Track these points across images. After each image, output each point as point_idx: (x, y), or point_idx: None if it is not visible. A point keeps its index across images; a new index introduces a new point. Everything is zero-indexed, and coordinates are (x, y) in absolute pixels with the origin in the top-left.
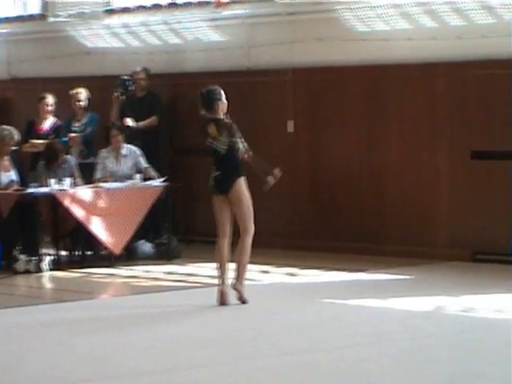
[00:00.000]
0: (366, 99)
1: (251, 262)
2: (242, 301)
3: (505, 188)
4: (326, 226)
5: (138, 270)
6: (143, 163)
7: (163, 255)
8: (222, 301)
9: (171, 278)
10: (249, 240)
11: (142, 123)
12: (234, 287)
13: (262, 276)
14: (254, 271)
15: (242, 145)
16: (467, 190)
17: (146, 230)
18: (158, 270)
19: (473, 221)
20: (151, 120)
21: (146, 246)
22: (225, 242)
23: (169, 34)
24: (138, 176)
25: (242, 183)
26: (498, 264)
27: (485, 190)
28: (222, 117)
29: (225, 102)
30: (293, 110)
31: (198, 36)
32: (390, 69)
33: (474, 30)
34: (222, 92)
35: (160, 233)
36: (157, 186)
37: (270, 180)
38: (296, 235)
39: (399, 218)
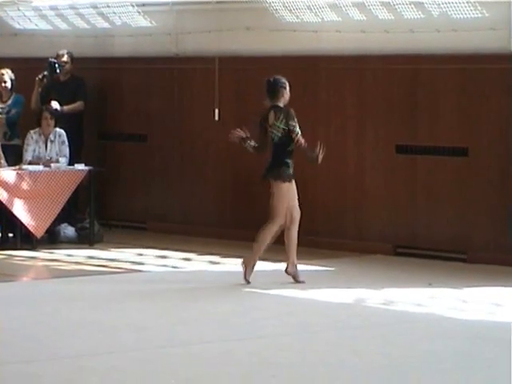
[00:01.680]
0: (294, 90)
1: (173, 249)
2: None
3: (427, 183)
4: (250, 215)
5: (60, 253)
6: (65, 150)
7: (85, 239)
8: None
9: (93, 263)
10: (270, 228)
11: (67, 107)
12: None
13: (184, 263)
14: (176, 258)
15: (298, 129)
16: (391, 184)
17: (68, 213)
18: (80, 254)
19: (396, 215)
20: (77, 105)
21: (68, 230)
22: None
23: (97, 17)
24: (62, 160)
25: (278, 183)
26: (419, 258)
27: (408, 185)
28: (281, 105)
29: (288, 91)
30: (219, 99)
31: (126, 21)
32: (319, 60)
33: (403, 24)
34: (287, 82)
35: (82, 217)
36: (81, 171)
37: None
38: (220, 224)
39: (323, 210)
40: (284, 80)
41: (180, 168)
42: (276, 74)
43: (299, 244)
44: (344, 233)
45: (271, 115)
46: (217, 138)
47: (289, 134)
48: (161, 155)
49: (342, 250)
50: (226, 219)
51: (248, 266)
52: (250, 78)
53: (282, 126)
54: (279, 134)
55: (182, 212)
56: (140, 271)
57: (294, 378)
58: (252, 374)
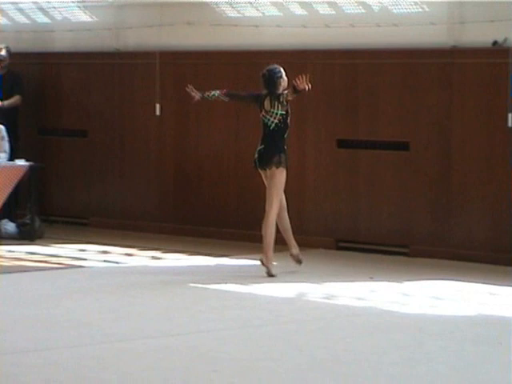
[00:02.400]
0: (236, 85)
1: (115, 245)
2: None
3: (369, 177)
4: (191, 210)
5: (1, 249)
6: (5, 145)
7: (26, 235)
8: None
9: (34, 259)
10: (273, 217)
11: (7, 102)
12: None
13: (126, 258)
14: (118, 254)
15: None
16: (333, 179)
17: (9, 209)
18: (21, 250)
19: (337, 209)
20: (15, 99)
21: (9, 226)
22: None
23: (37, 12)
24: (2, 155)
25: (280, 170)
26: (360, 252)
27: (350, 179)
28: (280, 92)
29: (285, 79)
30: (160, 94)
31: (66, 16)
32: (260, 55)
33: (344, 19)
34: (282, 69)
35: (23, 213)
36: (21, 166)
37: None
38: (162, 219)
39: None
40: (278, 69)
41: (121, 163)
42: (271, 65)
43: (239, 238)
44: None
45: (267, 101)
46: (158, 133)
47: (286, 119)
48: (101, 151)
49: (284, 244)
50: (167, 214)
51: (268, 264)
52: (191, 72)
53: (280, 112)
54: (276, 121)
55: (124, 207)
56: (82, 267)
57: (236, 373)
58: (193, 369)
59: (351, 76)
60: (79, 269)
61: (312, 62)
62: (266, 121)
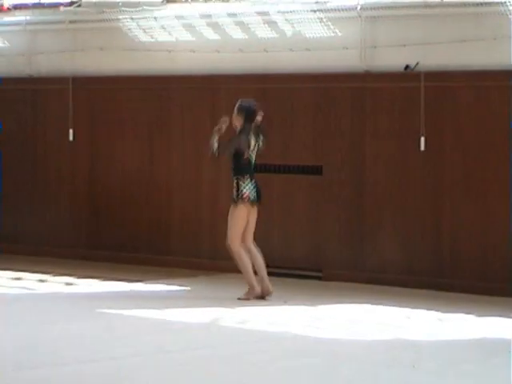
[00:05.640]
0: (148, 109)
1: (28, 271)
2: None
3: (282, 201)
4: (105, 235)
5: None
6: None
7: None
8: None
9: None
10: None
11: None
12: None
13: (39, 285)
14: (31, 280)
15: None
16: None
17: None
18: None
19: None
20: None
21: None
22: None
23: None
24: None
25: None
26: (274, 276)
27: (264, 203)
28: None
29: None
30: (73, 119)
31: None
32: (174, 80)
33: (257, 43)
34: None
35: None
36: None
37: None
38: (75, 244)
39: (180, 230)
40: (255, 102)
41: (33, 188)
42: (243, 97)
43: (153, 264)
44: (200, 252)
45: (252, 140)
46: (71, 158)
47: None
48: (13, 177)
49: (198, 269)
50: (80, 239)
51: (251, 293)
52: (105, 97)
53: (260, 145)
54: (254, 155)
55: (36, 233)
56: None
57: None
58: None
59: (264, 100)
60: None
61: (225, 86)
62: (251, 158)
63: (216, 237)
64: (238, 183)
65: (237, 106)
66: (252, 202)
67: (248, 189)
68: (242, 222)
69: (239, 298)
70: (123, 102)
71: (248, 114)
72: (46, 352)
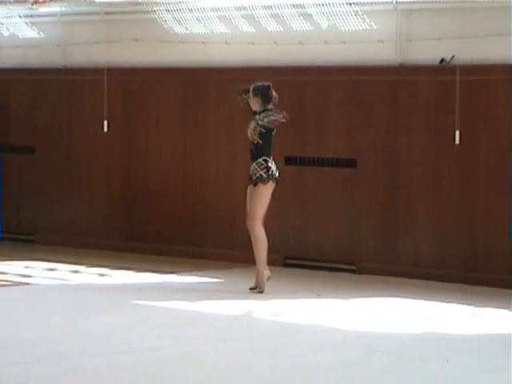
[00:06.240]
0: (182, 101)
1: (62, 262)
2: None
3: (316, 194)
4: (139, 227)
5: None
6: None
7: None
8: None
9: None
10: None
11: None
12: None
13: (72, 276)
14: (64, 271)
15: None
16: (280, 196)
17: None
18: None
19: (284, 226)
20: None
21: None
22: None
23: None
24: None
25: None
26: (307, 269)
27: (297, 196)
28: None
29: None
30: (107, 110)
31: (13, 32)
32: (208, 71)
33: (292, 36)
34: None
35: None
36: None
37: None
38: (109, 236)
39: (213, 221)
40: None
41: (68, 180)
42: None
43: (188, 255)
44: (234, 244)
45: None
46: (105, 150)
47: None
48: (49, 167)
49: (231, 261)
50: (115, 231)
51: (261, 280)
52: (139, 89)
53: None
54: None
55: (71, 224)
56: (28, 284)
57: None
58: None
59: (299, 93)
60: (25, 286)
61: (260, 79)
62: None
63: (247, 229)
64: (266, 162)
65: (251, 89)
66: (277, 181)
67: (274, 168)
68: (269, 201)
69: (251, 289)
70: (157, 94)
71: (264, 94)
72: (78, 343)
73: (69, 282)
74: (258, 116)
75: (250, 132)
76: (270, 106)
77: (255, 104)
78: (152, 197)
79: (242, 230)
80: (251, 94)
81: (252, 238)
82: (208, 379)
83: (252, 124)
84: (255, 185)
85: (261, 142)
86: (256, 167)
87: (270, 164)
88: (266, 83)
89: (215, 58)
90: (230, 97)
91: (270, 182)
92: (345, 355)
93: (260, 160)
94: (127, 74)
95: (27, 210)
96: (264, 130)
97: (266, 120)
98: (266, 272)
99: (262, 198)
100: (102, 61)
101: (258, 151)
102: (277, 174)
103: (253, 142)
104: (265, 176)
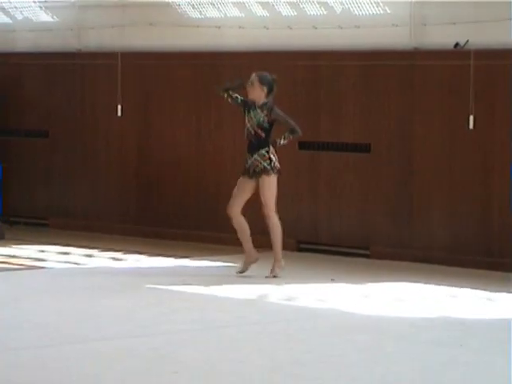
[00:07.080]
0: (196, 85)
1: (75, 246)
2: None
3: (330, 179)
4: (153, 211)
5: None
6: None
7: None
8: None
9: None
10: None
11: None
12: None
13: (86, 260)
14: (78, 255)
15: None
16: (294, 180)
17: None
18: None
19: (298, 211)
20: None
21: None
22: None
23: None
24: None
25: None
26: (321, 254)
27: (311, 181)
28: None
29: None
30: (121, 95)
31: (27, 16)
32: (221, 56)
33: (306, 20)
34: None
35: None
36: None
37: None
38: (123, 220)
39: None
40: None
41: (82, 164)
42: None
43: (202, 240)
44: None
45: None
46: (119, 134)
47: None
48: (62, 151)
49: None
50: (128, 215)
51: (279, 266)
52: (153, 73)
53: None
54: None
55: (84, 208)
56: (42, 268)
57: (196, 375)
58: (153, 370)
59: (313, 77)
60: (39, 270)
61: (274, 63)
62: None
63: (261, 214)
64: (268, 154)
65: (257, 77)
66: (280, 172)
67: (275, 159)
68: (276, 191)
69: (267, 277)
70: (171, 78)
71: (270, 86)
72: (92, 327)
73: (82, 266)
74: (262, 114)
75: (254, 126)
76: (270, 99)
77: (259, 93)
78: (166, 181)
79: (256, 215)
80: (258, 83)
81: (270, 225)
82: (222, 364)
83: (259, 118)
84: (259, 176)
85: (263, 135)
86: (258, 158)
87: (271, 155)
88: (270, 75)
89: (229, 42)
90: (244, 81)
91: (274, 174)
92: (358, 339)
93: (262, 151)
94: (141, 59)
95: (41, 194)
96: (268, 125)
97: (283, 142)
98: (254, 253)
99: (270, 188)
100: (116, 45)
101: (260, 143)
102: (278, 166)
103: (255, 134)
104: (268, 167)
